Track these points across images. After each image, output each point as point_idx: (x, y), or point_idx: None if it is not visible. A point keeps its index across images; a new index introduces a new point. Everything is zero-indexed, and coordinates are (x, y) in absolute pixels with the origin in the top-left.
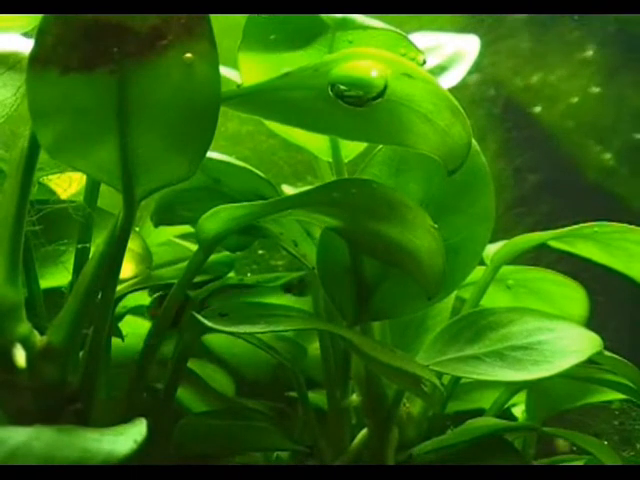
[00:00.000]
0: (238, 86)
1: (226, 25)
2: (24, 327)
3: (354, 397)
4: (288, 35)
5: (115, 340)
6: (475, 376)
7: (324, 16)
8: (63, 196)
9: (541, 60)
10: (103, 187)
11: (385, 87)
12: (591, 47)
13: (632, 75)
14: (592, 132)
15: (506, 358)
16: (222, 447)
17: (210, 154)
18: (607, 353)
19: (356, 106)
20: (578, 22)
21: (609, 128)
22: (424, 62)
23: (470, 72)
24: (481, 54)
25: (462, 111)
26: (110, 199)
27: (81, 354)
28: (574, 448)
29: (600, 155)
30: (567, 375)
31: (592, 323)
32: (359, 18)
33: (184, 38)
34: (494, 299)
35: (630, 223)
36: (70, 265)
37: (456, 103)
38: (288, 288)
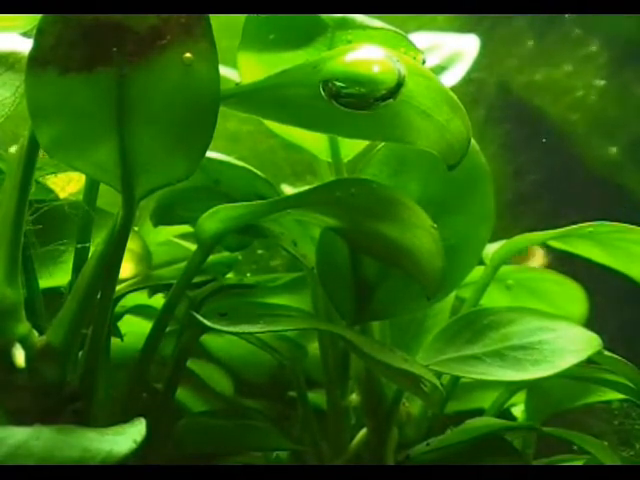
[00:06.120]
0: (236, 84)
1: (225, 25)
2: (23, 327)
3: (353, 397)
4: (287, 35)
5: (114, 340)
6: (475, 376)
7: (324, 16)
8: (62, 195)
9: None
10: (102, 186)
11: (398, 84)
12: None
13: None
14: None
15: (506, 358)
16: (222, 447)
17: (209, 154)
18: (607, 353)
19: (357, 109)
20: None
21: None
22: (424, 62)
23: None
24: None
25: (461, 106)
26: (109, 198)
27: (80, 354)
28: (574, 447)
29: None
30: (567, 375)
31: (592, 323)
32: (359, 18)
33: (183, 38)
34: (494, 299)
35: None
36: (69, 265)
37: (455, 98)
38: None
